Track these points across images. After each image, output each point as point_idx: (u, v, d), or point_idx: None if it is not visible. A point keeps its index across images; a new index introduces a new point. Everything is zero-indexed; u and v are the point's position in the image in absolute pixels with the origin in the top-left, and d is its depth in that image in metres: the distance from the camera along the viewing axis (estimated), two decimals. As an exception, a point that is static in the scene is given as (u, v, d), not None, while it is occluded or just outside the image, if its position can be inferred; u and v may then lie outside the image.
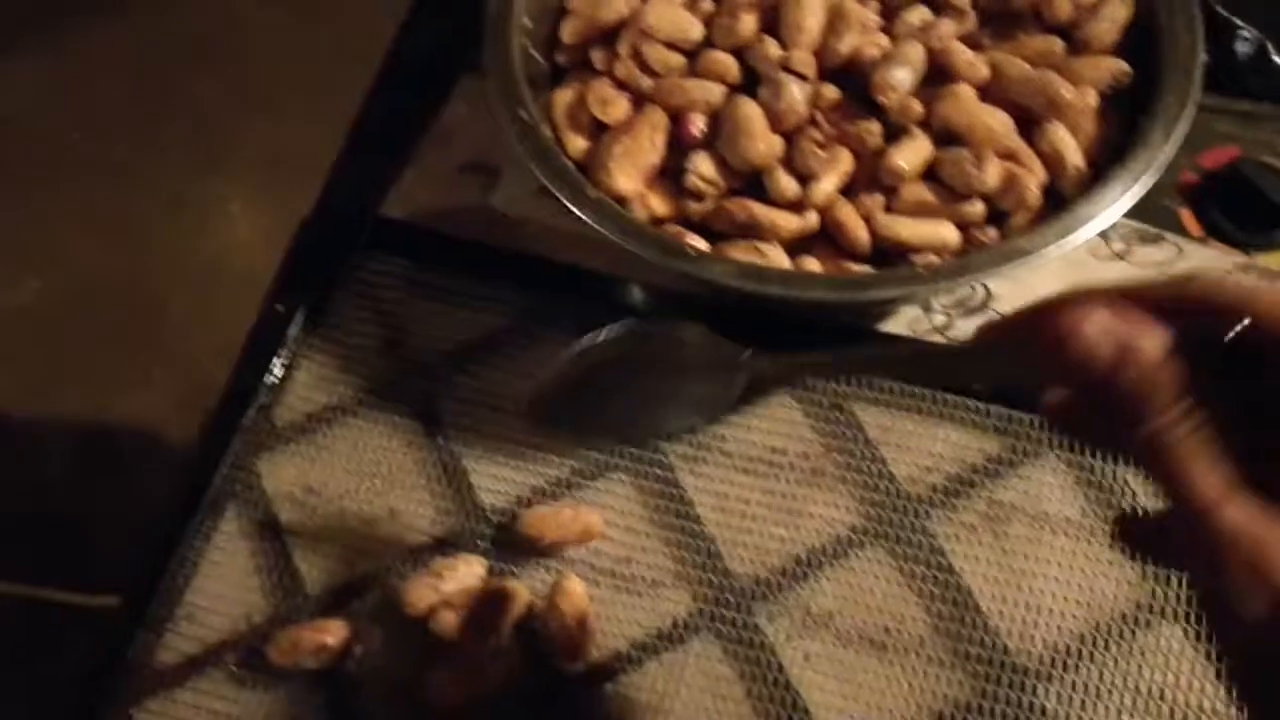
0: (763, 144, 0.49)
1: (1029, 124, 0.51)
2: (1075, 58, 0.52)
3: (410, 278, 0.60)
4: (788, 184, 0.49)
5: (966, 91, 0.50)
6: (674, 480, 0.53)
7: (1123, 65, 0.51)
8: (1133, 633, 0.48)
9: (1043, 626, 0.48)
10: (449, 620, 0.49)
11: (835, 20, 0.51)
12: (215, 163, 1.38)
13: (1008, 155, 0.49)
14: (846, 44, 0.50)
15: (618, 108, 0.53)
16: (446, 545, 0.53)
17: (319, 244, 0.62)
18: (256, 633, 0.52)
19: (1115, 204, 0.47)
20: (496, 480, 0.54)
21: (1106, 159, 0.50)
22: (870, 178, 0.50)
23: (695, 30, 0.53)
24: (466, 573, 0.51)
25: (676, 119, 0.51)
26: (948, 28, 0.52)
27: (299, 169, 1.33)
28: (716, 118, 0.51)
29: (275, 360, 0.58)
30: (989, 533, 0.50)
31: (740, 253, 0.49)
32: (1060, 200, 0.50)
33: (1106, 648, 0.48)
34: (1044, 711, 0.47)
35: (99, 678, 0.53)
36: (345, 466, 0.55)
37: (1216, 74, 0.61)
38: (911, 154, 0.49)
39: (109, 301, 1.31)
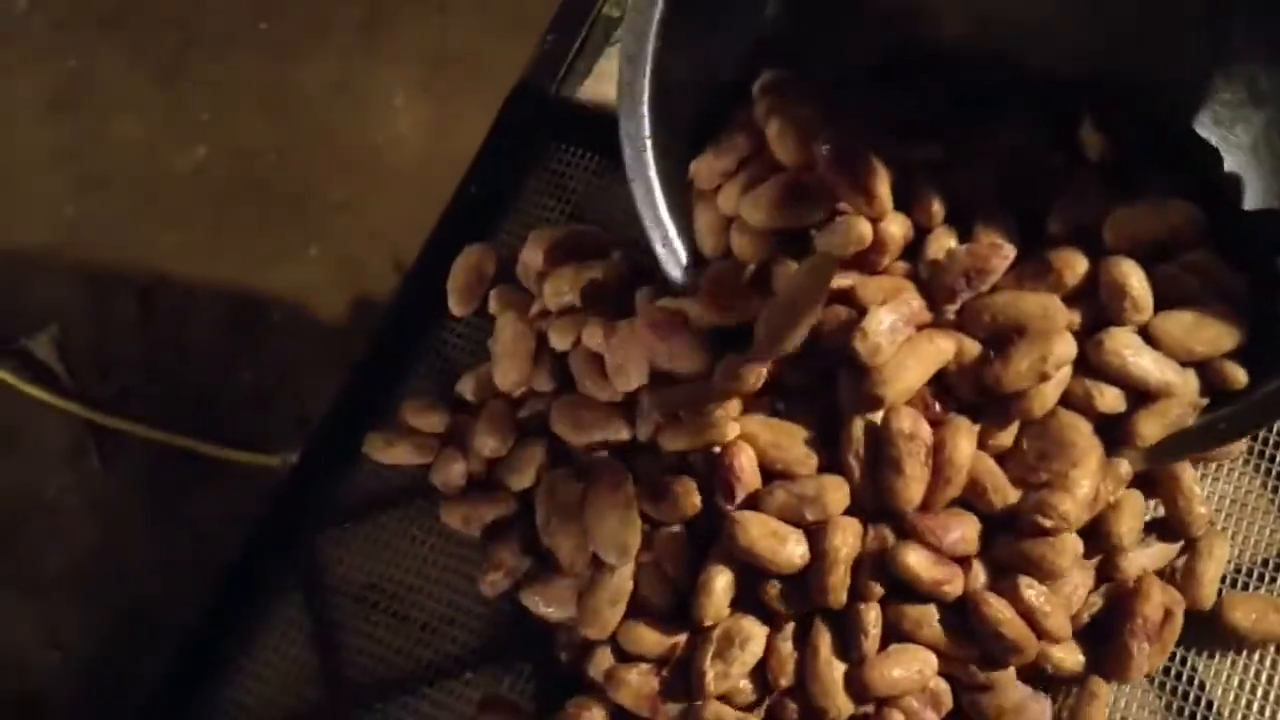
0: None
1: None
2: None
3: (600, 165, 0.60)
4: None
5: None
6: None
7: None
8: None
9: None
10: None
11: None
12: (383, 54, 1.40)
13: None
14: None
15: None
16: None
17: (514, 127, 0.62)
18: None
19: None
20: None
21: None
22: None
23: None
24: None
25: None
26: None
27: (465, 71, 1.35)
28: None
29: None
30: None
31: None
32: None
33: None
34: None
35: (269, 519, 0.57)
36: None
37: None
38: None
39: (269, 176, 1.35)
